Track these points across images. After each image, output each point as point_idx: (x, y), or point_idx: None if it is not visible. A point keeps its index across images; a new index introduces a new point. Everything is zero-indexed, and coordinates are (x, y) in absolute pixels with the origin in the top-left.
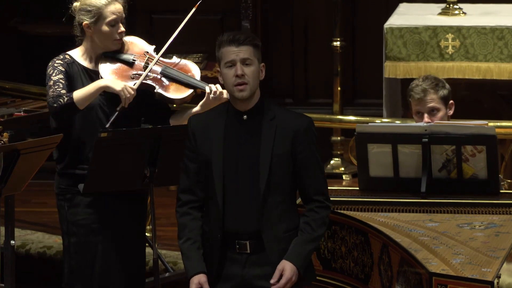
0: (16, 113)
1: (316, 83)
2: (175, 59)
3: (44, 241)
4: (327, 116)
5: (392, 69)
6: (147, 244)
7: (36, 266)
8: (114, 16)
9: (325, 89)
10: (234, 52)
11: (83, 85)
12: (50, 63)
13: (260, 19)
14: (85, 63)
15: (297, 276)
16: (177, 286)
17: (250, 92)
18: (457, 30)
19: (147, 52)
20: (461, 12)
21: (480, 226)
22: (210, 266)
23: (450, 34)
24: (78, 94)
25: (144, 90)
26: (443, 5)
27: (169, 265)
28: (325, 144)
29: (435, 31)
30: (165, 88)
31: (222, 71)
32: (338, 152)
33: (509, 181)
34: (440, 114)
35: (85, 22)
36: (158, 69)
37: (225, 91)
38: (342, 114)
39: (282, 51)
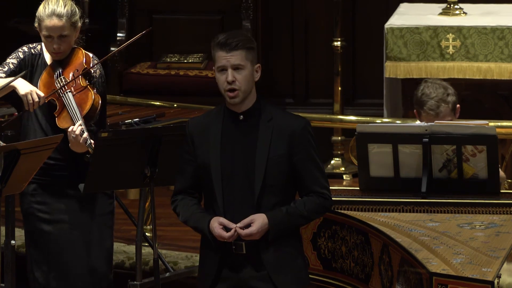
0: (16, 113)
1: (316, 83)
2: (85, 88)
3: None
4: (328, 116)
5: (392, 69)
6: (147, 244)
7: None
8: (47, 32)
9: (326, 89)
10: (225, 58)
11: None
12: (20, 47)
13: (260, 19)
14: (48, 59)
15: (262, 234)
16: (178, 286)
17: (243, 97)
18: (458, 30)
19: (76, 71)
20: (461, 12)
21: (480, 226)
22: (209, 268)
23: (450, 34)
24: None
25: None
26: (443, 5)
27: (169, 265)
28: (325, 144)
29: (436, 31)
30: (59, 114)
31: (215, 74)
32: (339, 152)
33: (509, 181)
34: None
35: (35, 25)
36: (65, 94)
37: (84, 137)
38: (342, 114)
39: (283, 51)
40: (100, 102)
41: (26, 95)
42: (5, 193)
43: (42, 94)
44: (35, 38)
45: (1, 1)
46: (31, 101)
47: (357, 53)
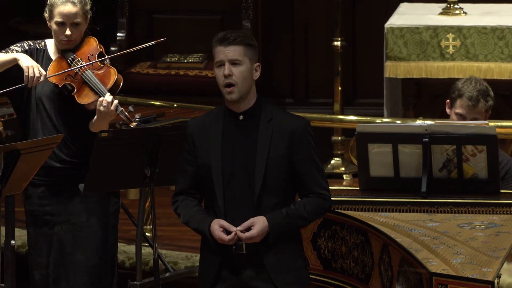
0: (15, 114)
1: (316, 83)
2: (104, 66)
3: None
4: (328, 116)
5: (392, 69)
6: (147, 244)
7: None
8: (60, 18)
9: (326, 89)
10: (223, 52)
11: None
12: (25, 40)
13: (260, 19)
14: (52, 54)
15: (262, 236)
16: (178, 286)
17: (240, 94)
18: (458, 30)
19: (91, 55)
20: (461, 12)
21: (480, 226)
22: (209, 268)
23: (450, 34)
24: None
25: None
26: (443, 5)
27: (169, 265)
28: (325, 144)
29: (436, 31)
30: (79, 92)
31: (215, 71)
32: (339, 152)
33: None
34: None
35: (45, 14)
36: (84, 72)
37: (115, 104)
38: (342, 114)
39: (283, 51)
40: (122, 81)
41: (28, 67)
42: (5, 193)
43: (44, 72)
44: (35, 38)
45: (1, 1)
46: (32, 75)
47: (357, 53)
